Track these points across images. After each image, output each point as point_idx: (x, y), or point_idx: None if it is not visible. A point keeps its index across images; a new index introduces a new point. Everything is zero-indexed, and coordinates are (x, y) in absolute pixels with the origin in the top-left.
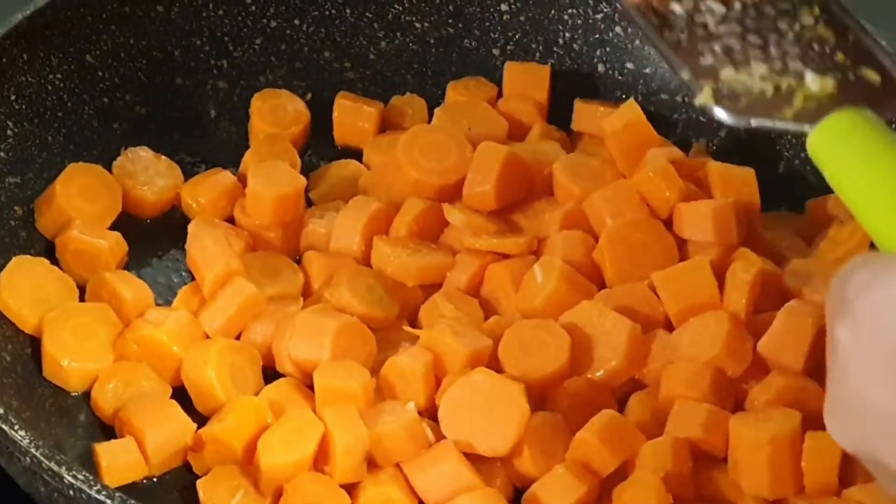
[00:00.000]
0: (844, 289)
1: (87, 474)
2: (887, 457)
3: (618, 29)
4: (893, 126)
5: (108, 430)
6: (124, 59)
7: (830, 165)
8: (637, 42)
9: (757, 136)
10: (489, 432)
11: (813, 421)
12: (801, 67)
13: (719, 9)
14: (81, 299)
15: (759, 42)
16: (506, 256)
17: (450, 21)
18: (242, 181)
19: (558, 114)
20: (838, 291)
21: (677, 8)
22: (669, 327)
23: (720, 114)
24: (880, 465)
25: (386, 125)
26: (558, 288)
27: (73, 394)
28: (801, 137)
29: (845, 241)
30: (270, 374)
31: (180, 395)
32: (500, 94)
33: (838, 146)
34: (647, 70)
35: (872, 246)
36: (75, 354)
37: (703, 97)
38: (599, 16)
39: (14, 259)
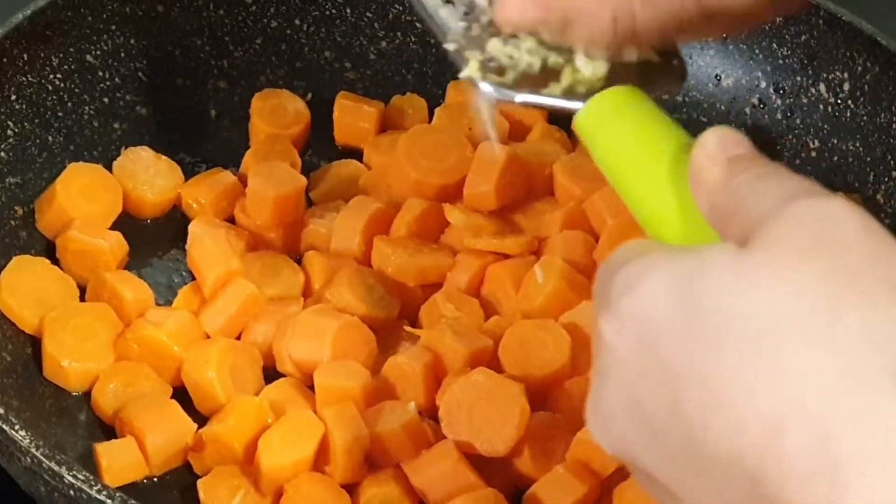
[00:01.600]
0: (611, 280)
1: (88, 474)
2: (652, 463)
3: None
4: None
5: (108, 430)
6: (125, 59)
7: (598, 145)
8: None
9: (758, 136)
10: (489, 432)
11: None
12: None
13: None
14: (82, 299)
15: None
16: (506, 256)
17: None
18: (243, 181)
19: (559, 114)
20: (605, 280)
21: None
22: None
23: (486, 88)
24: (641, 470)
25: (386, 125)
26: (559, 288)
27: (74, 394)
28: (785, 137)
29: None
30: (271, 374)
31: (181, 395)
32: None
33: (606, 124)
34: None
35: None
36: (76, 354)
37: (470, 70)
38: None
39: (14, 259)
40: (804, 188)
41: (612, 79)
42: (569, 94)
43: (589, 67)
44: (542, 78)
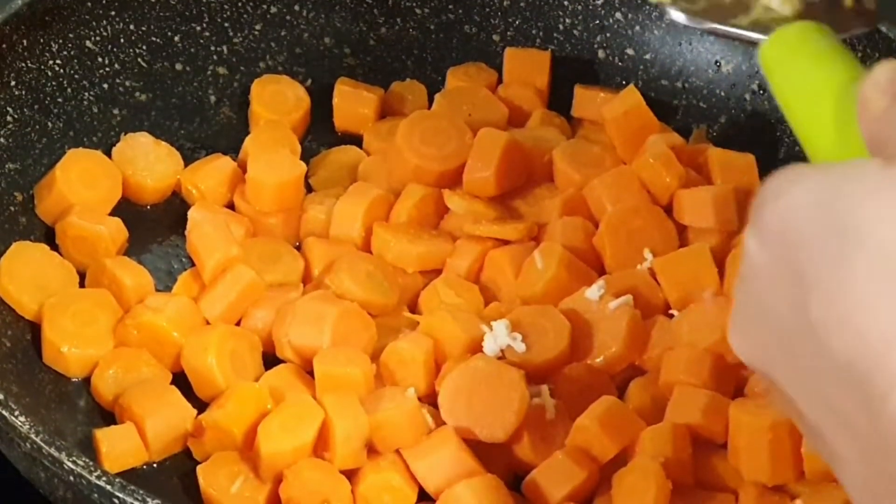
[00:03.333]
0: (760, 198)
1: (87, 460)
2: (781, 372)
3: (618, 15)
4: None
5: (108, 416)
6: (124, 45)
7: (777, 74)
8: (637, 28)
9: (757, 122)
10: (489, 418)
11: None
12: None
13: None
14: (81, 285)
15: None
16: (506, 242)
17: (450, 7)
18: (242, 167)
19: (558, 100)
20: (757, 200)
21: None
22: (669, 313)
23: (675, 15)
24: (777, 381)
25: (386, 111)
26: (558, 274)
27: (74, 380)
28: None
29: None
30: (270, 360)
31: (180, 381)
32: (500, 80)
33: (787, 57)
34: (648, 56)
35: None
36: (75, 340)
37: None
38: (599, 1)
39: (14, 245)
40: None
41: (801, 18)
42: (756, 26)
43: (778, 3)
44: (732, 10)
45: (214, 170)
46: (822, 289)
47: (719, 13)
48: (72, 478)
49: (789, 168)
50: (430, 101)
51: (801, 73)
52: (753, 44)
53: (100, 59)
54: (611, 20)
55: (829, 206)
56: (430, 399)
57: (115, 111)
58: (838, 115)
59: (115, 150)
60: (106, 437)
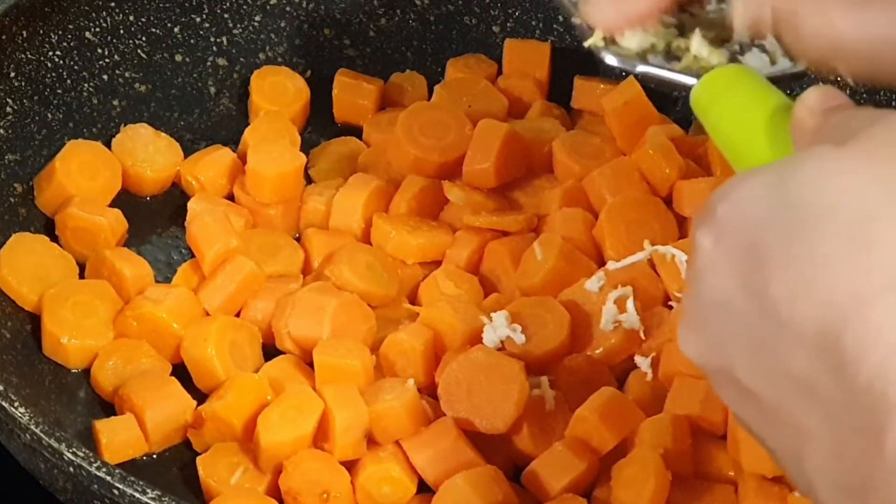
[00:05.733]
0: (709, 201)
1: (87, 451)
2: (740, 362)
3: None
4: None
5: (107, 407)
6: (124, 36)
7: (711, 113)
8: None
9: None
10: (488, 410)
11: None
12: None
13: None
14: (81, 276)
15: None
16: (505, 234)
17: None
18: (242, 158)
19: (558, 91)
20: (705, 204)
21: None
22: (669, 305)
23: (609, 58)
24: (727, 376)
25: (386, 102)
26: (558, 265)
27: (73, 371)
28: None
29: None
30: (270, 351)
31: (180, 372)
32: (500, 72)
33: (720, 94)
34: None
35: None
36: (75, 332)
37: (594, 40)
38: None
39: (14, 236)
40: (892, 112)
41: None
42: (686, 71)
43: (706, 53)
44: (665, 58)
45: (214, 161)
46: (784, 265)
47: (651, 59)
48: (72, 469)
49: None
50: (430, 92)
51: (734, 109)
52: (686, 88)
53: (99, 51)
54: None
55: (784, 186)
56: (429, 390)
57: (115, 102)
58: (773, 143)
59: (114, 141)
60: (106, 428)
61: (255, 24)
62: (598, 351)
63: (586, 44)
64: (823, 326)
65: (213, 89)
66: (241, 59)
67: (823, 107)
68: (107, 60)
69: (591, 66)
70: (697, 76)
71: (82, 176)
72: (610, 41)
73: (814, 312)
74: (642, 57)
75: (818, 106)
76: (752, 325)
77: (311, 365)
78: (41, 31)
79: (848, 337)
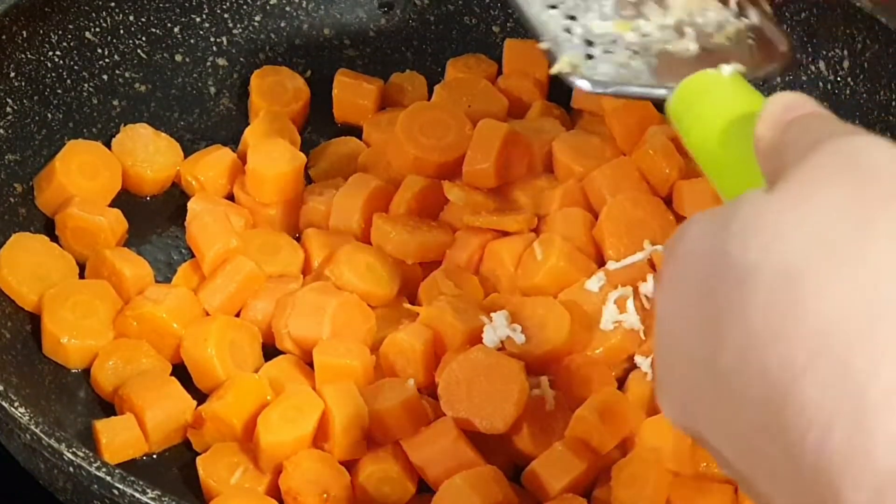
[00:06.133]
0: (670, 241)
1: (87, 451)
2: (704, 426)
3: None
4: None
5: (107, 407)
6: (124, 36)
7: (685, 122)
8: None
9: None
10: (488, 409)
11: None
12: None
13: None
14: (81, 276)
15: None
16: (505, 234)
17: None
18: (242, 158)
19: (558, 91)
20: (670, 240)
21: None
22: None
23: (580, 83)
24: (698, 436)
25: (386, 102)
26: (558, 265)
27: (73, 371)
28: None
29: None
30: (270, 351)
31: (180, 372)
32: (500, 72)
33: (694, 103)
34: None
35: None
36: (75, 332)
37: (560, 66)
38: None
39: (14, 236)
40: (840, 130)
41: (707, 58)
42: (660, 78)
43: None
44: (635, 71)
45: (214, 161)
46: (725, 330)
47: (624, 77)
48: (71, 469)
49: (693, 215)
50: (430, 92)
51: (707, 118)
52: (664, 100)
53: (99, 51)
54: None
55: (719, 238)
56: (429, 390)
57: (115, 102)
58: (742, 152)
59: (114, 141)
60: (106, 429)
61: (255, 24)
62: (598, 351)
63: (552, 71)
64: (765, 399)
65: (213, 89)
66: (241, 59)
67: (784, 118)
68: (107, 60)
69: None
70: (672, 86)
71: (82, 176)
72: (576, 67)
73: (755, 382)
74: (613, 77)
75: (778, 118)
76: (712, 390)
77: (311, 365)
78: (41, 31)
79: (787, 413)
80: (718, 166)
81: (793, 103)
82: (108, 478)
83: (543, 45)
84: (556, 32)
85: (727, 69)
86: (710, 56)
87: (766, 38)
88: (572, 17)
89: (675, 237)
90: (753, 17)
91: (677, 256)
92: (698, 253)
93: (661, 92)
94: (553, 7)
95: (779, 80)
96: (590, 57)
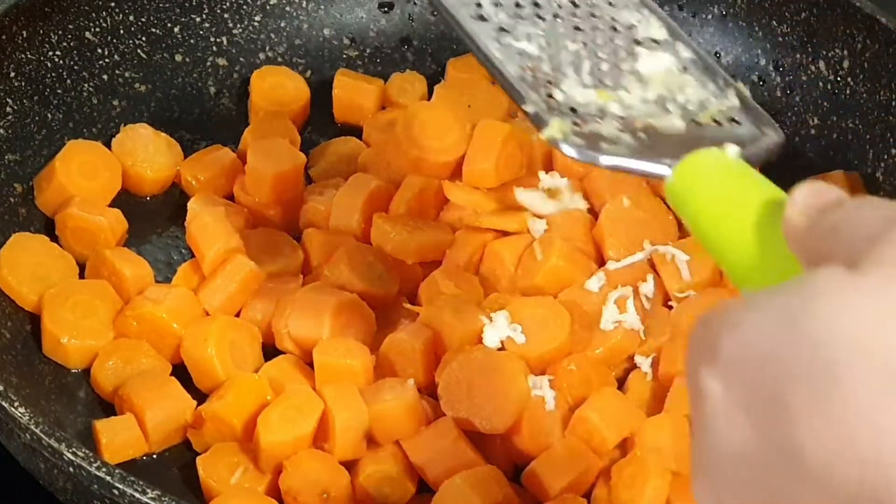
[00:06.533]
0: (708, 331)
1: (87, 451)
2: None
3: None
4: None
5: (107, 407)
6: (124, 36)
7: (690, 203)
8: None
9: None
10: (488, 410)
11: None
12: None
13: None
14: (81, 276)
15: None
16: (505, 234)
17: None
18: (242, 158)
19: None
20: (700, 335)
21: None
22: (668, 305)
23: (569, 151)
24: None
25: (386, 102)
26: (558, 265)
27: (73, 371)
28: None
29: None
30: (270, 351)
31: (180, 372)
32: None
33: (697, 185)
34: None
35: None
36: (75, 332)
37: (551, 131)
38: None
39: (14, 236)
40: (893, 214)
41: (690, 133)
42: (657, 154)
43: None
44: (629, 145)
45: (214, 161)
46: (811, 416)
47: (617, 149)
48: (71, 469)
49: (728, 302)
50: (430, 92)
51: (713, 201)
52: (660, 177)
53: (99, 51)
54: None
55: (799, 321)
56: (429, 390)
57: (115, 102)
58: (760, 237)
59: (114, 141)
60: (106, 429)
61: (255, 24)
62: (598, 351)
63: (542, 136)
64: (863, 488)
65: (213, 89)
66: (241, 59)
67: (817, 204)
68: (107, 60)
69: None
70: (669, 161)
71: (82, 176)
72: (566, 132)
73: (851, 472)
74: (608, 144)
75: (811, 203)
76: (773, 480)
77: (311, 365)
78: (41, 31)
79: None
80: (732, 250)
81: (822, 189)
82: (108, 478)
83: (529, 108)
84: (539, 97)
85: (732, 150)
86: (699, 134)
87: (752, 120)
88: (549, 83)
89: (728, 322)
90: (733, 98)
91: (739, 339)
92: (771, 333)
93: (659, 168)
94: (530, 70)
95: (779, 79)
96: (576, 125)
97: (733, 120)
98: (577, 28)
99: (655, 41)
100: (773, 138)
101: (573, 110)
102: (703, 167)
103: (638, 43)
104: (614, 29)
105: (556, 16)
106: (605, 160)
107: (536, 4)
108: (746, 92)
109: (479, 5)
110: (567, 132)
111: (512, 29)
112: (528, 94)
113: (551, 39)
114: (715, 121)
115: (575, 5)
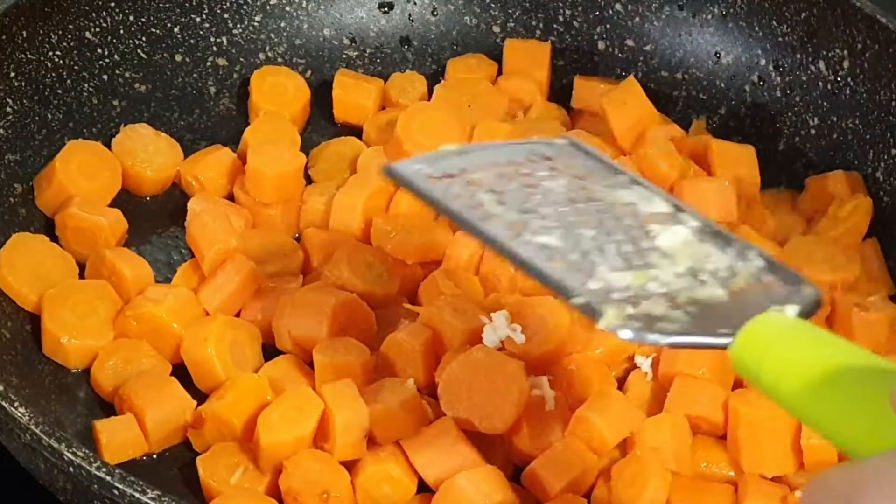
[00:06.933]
0: (830, 497)
1: (87, 451)
2: None
3: (618, 6)
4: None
5: (107, 407)
6: (124, 36)
7: (763, 372)
8: (637, 19)
9: (757, 113)
10: (488, 409)
11: None
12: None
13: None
14: (81, 276)
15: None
16: None
17: None
18: (242, 158)
19: (558, 91)
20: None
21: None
22: None
23: (628, 335)
24: None
25: (386, 102)
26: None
27: (73, 371)
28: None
29: (845, 219)
30: (270, 351)
31: (180, 372)
32: (500, 72)
33: (771, 351)
34: (648, 47)
35: (872, 223)
36: (75, 332)
37: (609, 320)
38: None
39: (14, 236)
40: None
41: (735, 297)
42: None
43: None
44: (682, 321)
45: (214, 161)
46: None
47: (672, 328)
48: (71, 469)
49: (842, 467)
50: (430, 92)
51: (794, 364)
52: (722, 347)
53: (99, 51)
54: (611, 11)
55: None
56: (429, 390)
57: (115, 102)
58: (860, 401)
59: (114, 141)
60: (106, 429)
61: (255, 24)
62: (598, 351)
63: (600, 326)
64: None
65: (213, 89)
66: (242, 59)
67: None
68: (107, 60)
69: (591, 66)
70: (727, 332)
71: (82, 176)
72: (622, 317)
73: None
74: (661, 323)
75: None
76: None
77: (311, 365)
78: (41, 31)
79: None
80: (828, 414)
81: None
82: (108, 478)
83: (579, 301)
84: (582, 288)
85: (791, 311)
86: (742, 300)
87: (782, 278)
88: (582, 272)
89: (851, 495)
90: (757, 259)
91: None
92: None
93: (722, 341)
94: (561, 263)
95: (779, 79)
96: (628, 309)
97: (767, 278)
98: (584, 214)
99: (662, 215)
100: (812, 293)
101: (613, 295)
102: (770, 332)
103: (645, 219)
104: (619, 210)
105: (557, 203)
106: (666, 340)
107: (537, 196)
108: (767, 251)
109: (482, 205)
110: (622, 317)
111: (525, 224)
112: (574, 286)
113: (566, 229)
114: (749, 283)
115: (572, 192)
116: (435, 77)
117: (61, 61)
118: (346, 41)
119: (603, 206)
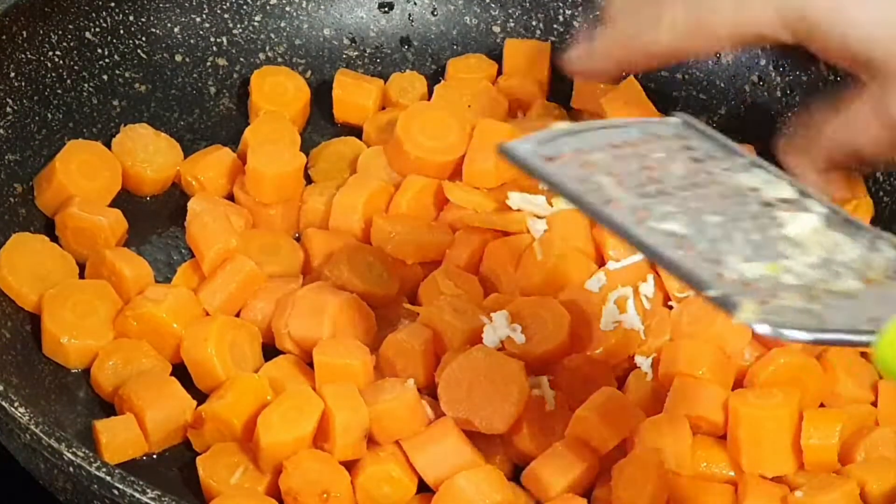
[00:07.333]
0: None
1: (87, 451)
2: None
3: None
4: None
5: (107, 407)
6: (124, 36)
7: None
8: None
9: (757, 113)
10: (488, 409)
11: (812, 398)
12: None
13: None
14: (81, 276)
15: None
16: (505, 234)
17: None
18: (242, 158)
19: (558, 91)
20: None
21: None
22: (668, 305)
23: (767, 330)
24: None
25: (386, 102)
26: (558, 265)
27: (73, 371)
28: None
29: None
30: (270, 351)
31: (180, 372)
32: (500, 72)
33: None
34: None
35: (872, 223)
36: (75, 332)
37: (745, 313)
38: None
39: (14, 236)
40: None
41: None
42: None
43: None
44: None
45: (214, 161)
46: None
47: (811, 322)
48: (71, 469)
49: None
50: (430, 92)
51: None
52: (863, 344)
53: (99, 51)
54: None
55: None
56: (429, 390)
57: (115, 102)
58: None
59: (114, 141)
60: (105, 429)
61: (255, 23)
62: (598, 351)
63: (737, 320)
64: None
65: (213, 89)
66: (241, 59)
67: None
68: (107, 60)
69: None
70: (867, 330)
71: (82, 176)
72: (758, 311)
73: None
74: (799, 316)
75: None
76: None
77: (311, 365)
78: (41, 31)
79: None
80: None
81: None
82: (108, 478)
83: (714, 293)
84: (716, 279)
85: None
86: (882, 293)
87: None
88: (712, 261)
89: None
90: (889, 249)
91: None
92: None
93: (864, 338)
94: (691, 252)
95: (779, 79)
96: (764, 302)
97: None
98: (707, 199)
99: (786, 201)
100: None
101: (746, 286)
102: None
103: (769, 205)
104: (742, 195)
105: (678, 187)
106: (806, 336)
107: (656, 180)
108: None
109: (601, 188)
110: (759, 311)
111: (649, 210)
112: (708, 278)
113: (690, 215)
114: (888, 276)
115: (692, 175)
116: (435, 77)
117: (61, 61)
118: (346, 41)
119: (725, 190)
